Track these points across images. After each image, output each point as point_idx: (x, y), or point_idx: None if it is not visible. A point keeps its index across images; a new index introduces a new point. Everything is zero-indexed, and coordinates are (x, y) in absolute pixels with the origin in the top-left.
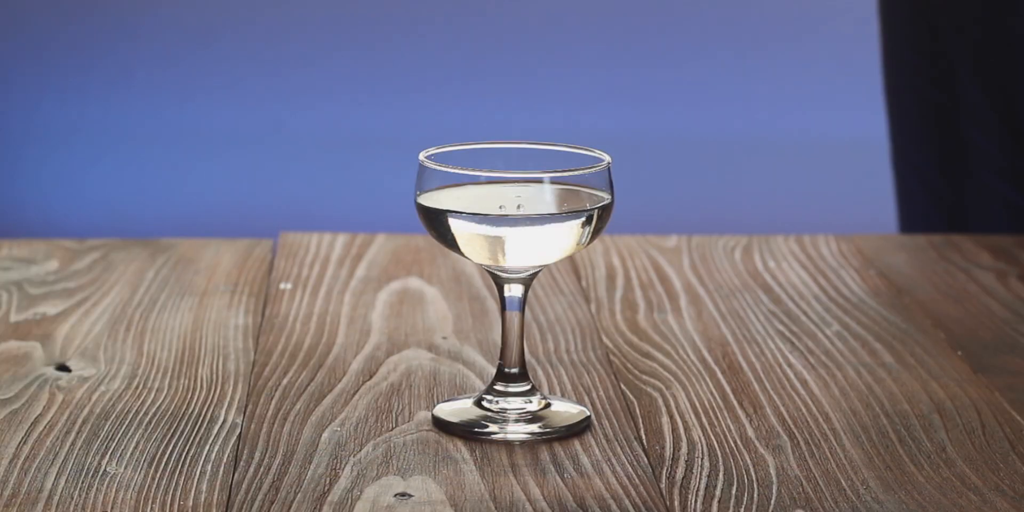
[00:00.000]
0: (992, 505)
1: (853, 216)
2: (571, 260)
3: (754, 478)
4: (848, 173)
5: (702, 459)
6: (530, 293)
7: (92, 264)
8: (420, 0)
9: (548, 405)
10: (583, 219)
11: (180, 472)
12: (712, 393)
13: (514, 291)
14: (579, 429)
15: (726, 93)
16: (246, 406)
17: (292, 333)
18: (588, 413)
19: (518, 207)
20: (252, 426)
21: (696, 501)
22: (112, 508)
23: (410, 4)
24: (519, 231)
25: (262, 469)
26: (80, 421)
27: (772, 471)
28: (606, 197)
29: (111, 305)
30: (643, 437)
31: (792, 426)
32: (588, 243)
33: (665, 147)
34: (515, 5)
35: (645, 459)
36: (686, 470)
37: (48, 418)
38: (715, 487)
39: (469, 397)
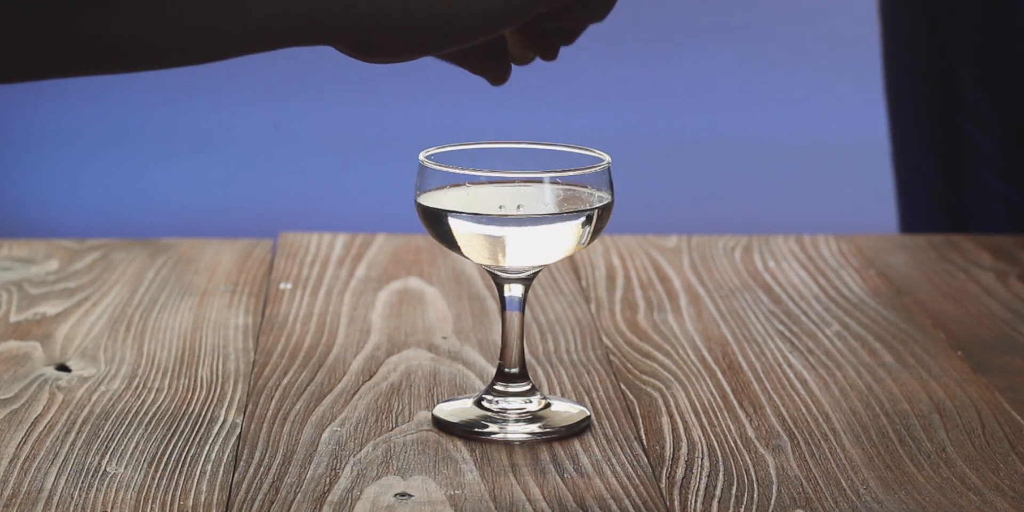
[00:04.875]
0: (992, 505)
1: (853, 216)
2: (571, 260)
3: (754, 478)
4: (848, 173)
5: (702, 459)
6: (530, 293)
7: (92, 264)
8: None
9: (548, 405)
10: (583, 219)
11: (180, 472)
12: (712, 393)
13: (514, 291)
14: (579, 429)
15: (726, 93)
16: (246, 406)
17: (292, 333)
18: (588, 413)
19: (518, 207)
20: (252, 426)
21: (696, 501)
22: (112, 508)
23: None
24: (519, 231)
25: (262, 469)
26: (80, 421)
27: (772, 471)
28: (606, 197)
29: (111, 305)
30: (643, 437)
31: (792, 426)
32: (588, 243)
33: (665, 147)
34: None
35: (645, 459)
36: (686, 470)
37: (48, 418)
38: (715, 487)
39: (469, 397)
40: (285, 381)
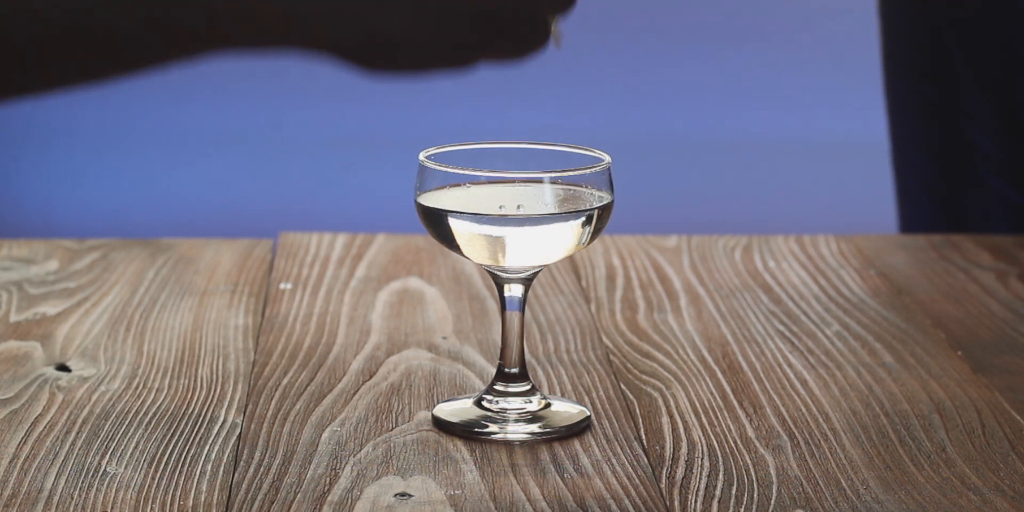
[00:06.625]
0: (992, 505)
1: (853, 216)
2: (571, 260)
3: (754, 478)
4: (848, 173)
5: (702, 459)
6: (530, 293)
7: (92, 264)
8: None
9: (548, 405)
10: (583, 219)
11: (180, 472)
12: (712, 393)
13: (514, 291)
14: (579, 429)
15: (726, 93)
16: (246, 406)
17: (292, 333)
18: (588, 413)
19: (518, 207)
20: (252, 426)
21: (696, 501)
22: (112, 508)
23: None
24: (519, 231)
25: (262, 469)
26: (80, 421)
27: (772, 471)
28: (606, 197)
29: (111, 305)
30: (643, 437)
31: (792, 426)
32: (588, 243)
33: (665, 147)
34: None
35: (645, 459)
36: (686, 470)
37: (48, 418)
38: (715, 487)
39: (469, 397)
40: (285, 381)
